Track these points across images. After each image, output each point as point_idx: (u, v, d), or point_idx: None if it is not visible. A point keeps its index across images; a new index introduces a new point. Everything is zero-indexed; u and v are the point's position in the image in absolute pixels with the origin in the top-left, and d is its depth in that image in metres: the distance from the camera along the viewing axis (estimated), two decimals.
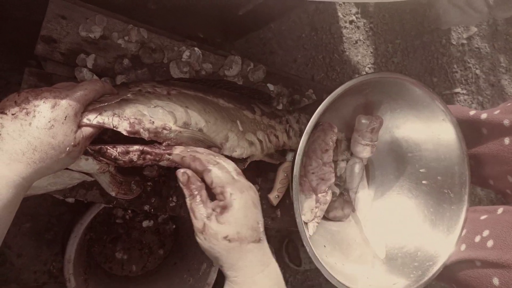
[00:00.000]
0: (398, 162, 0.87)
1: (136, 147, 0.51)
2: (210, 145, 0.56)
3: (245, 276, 0.45)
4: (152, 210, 0.65)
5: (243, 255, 0.45)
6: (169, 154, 0.52)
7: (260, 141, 0.64)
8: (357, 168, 0.79)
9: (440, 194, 0.82)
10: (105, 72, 0.62)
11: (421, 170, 0.84)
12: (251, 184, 0.50)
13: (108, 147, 0.50)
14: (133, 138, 0.51)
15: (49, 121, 0.43)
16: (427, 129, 0.80)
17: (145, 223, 1.07)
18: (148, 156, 0.52)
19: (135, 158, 0.51)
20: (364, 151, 0.77)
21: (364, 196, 0.81)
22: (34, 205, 0.97)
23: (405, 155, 0.86)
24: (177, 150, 0.51)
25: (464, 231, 0.77)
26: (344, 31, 1.37)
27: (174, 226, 1.11)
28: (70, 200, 0.60)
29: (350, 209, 0.79)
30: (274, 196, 0.76)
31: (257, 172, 0.75)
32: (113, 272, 1.03)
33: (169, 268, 1.04)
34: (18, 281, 0.95)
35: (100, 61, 0.61)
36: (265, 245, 0.48)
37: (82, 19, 0.59)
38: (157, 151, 0.51)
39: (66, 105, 0.44)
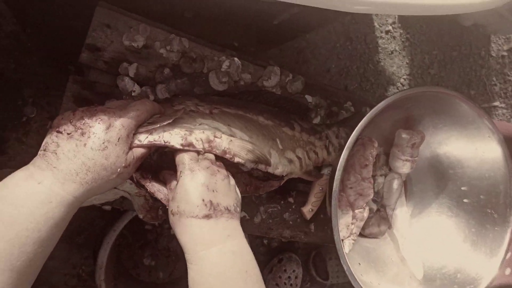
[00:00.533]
0: (438, 178, 0.83)
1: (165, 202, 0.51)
2: (259, 156, 0.55)
3: (191, 251, 0.45)
4: None
5: (183, 229, 0.45)
6: None
7: (299, 158, 0.63)
8: (396, 184, 0.76)
9: (482, 214, 0.78)
10: (146, 81, 0.62)
11: (462, 188, 0.81)
12: (215, 169, 0.49)
13: (149, 189, 0.50)
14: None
15: (103, 143, 0.43)
16: (471, 145, 0.77)
17: (173, 230, 1.07)
18: None
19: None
20: (403, 167, 0.74)
21: (402, 213, 0.77)
22: None
23: (446, 171, 0.82)
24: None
25: (509, 254, 0.73)
26: (379, 41, 1.34)
27: None
28: (107, 207, 0.61)
29: (386, 226, 0.76)
30: (308, 210, 0.74)
31: (290, 185, 0.73)
32: (140, 278, 1.03)
33: None
34: (48, 283, 0.96)
35: (142, 70, 0.61)
36: (218, 224, 0.46)
37: (126, 28, 0.60)
38: None
39: (119, 126, 0.45)
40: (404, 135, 0.73)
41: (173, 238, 1.09)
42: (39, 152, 0.43)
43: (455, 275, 0.75)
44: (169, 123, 0.50)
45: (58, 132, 0.43)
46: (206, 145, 0.50)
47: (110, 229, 0.77)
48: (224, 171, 0.50)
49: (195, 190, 0.46)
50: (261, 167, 0.55)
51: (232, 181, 0.51)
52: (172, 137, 0.49)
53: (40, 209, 0.39)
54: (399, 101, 0.66)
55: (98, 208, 0.99)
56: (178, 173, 0.48)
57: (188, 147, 0.49)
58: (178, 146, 0.49)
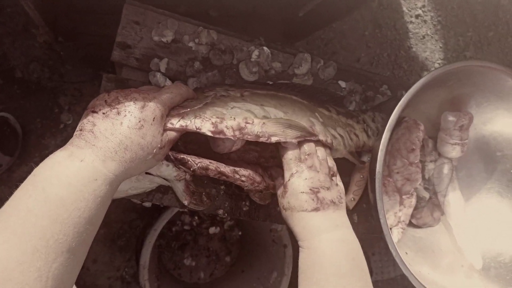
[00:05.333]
0: (486, 162, 0.78)
1: (215, 166, 0.51)
2: (297, 127, 0.53)
3: (304, 239, 0.50)
4: (225, 214, 0.63)
5: (296, 222, 0.51)
6: (242, 181, 0.54)
7: (342, 136, 0.61)
8: (446, 169, 0.72)
9: None
10: (177, 76, 0.61)
11: None
12: (317, 166, 0.54)
13: (190, 160, 0.50)
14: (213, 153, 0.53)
15: (139, 121, 0.43)
16: None
17: (211, 230, 1.07)
18: (224, 177, 0.53)
19: (211, 174, 0.52)
20: (453, 151, 0.70)
21: (455, 199, 0.73)
22: (107, 212, 1.00)
23: (494, 154, 0.77)
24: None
25: None
26: (410, 26, 1.30)
27: (240, 233, 1.10)
28: (147, 204, 0.61)
29: (440, 212, 0.72)
30: (349, 199, 0.71)
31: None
32: (182, 279, 1.03)
33: (237, 275, 1.02)
34: (94, 286, 0.98)
35: (172, 64, 0.61)
36: (326, 215, 0.51)
37: (154, 24, 0.60)
38: (232, 175, 0.53)
39: (154, 106, 0.44)
40: (450, 118, 0.69)
41: (212, 238, 1.08)
42: (76, 133, 0.42)
43: None
44: (200, 107, 0.49)
45: (94, 112, 0.43)
46: (237, 133, 0.50)
47: (151, 229, 0.77)
48: (325, 168, 0.55)
49: (303, 188, 0.52)
50: (309, 140, 0.54)
51: (334, 176, 0.57)
52: (204, 124, 0.49)
53: (87, 187, 0.38)
54: (440, 78, 0.63)
55: (137, 209, 1.00)
56: (285, 172, 0.54)
57: (219, 135, 0.49)
58: (209, 134, 0.49)
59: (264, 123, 0.51)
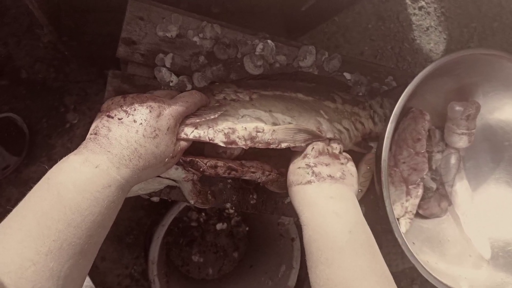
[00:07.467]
0: (493, 152, 0.78)
1: (223, 162, 0.53)
2: (308, 130, 0.55)
3: (300, 213, 0.50)
4: (233, 208, 0.63)
5: (293, 196, 0.52)
6: (253, 172, 0.55)
7: (347, 130, 0.61)
8: (453, 159, 0.71)
9: None
10: (183, 71, 0.61)
11: None
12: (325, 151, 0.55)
13: (199, 160, 0.51)
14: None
15: (154, 130, 0.43)
16: None
17: (218, 226, 1.07)
18: (233, 172, 0.54)
19: (221, 172, 0.53)
20: (460, 141, 0.70)
21: (462, 188, 0.73)
22: None
23: (501, 144, 0.77)
24: None
25: None
26: (413, 18, 1.29)
27: (247, 228, 1.10)
28: (155, 199, 0.61)
29: (447, 203, 0.72)
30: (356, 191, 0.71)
31: None
32: (190, 275, 1.04)
33: (246, 271, 1.02)
34: (103, 284, 0.99)
35: (177, 59, 0.61)
36: (320, 187, 0.50)
37: (158, 19, 0.60)
38: (241, 168, 0.54)
39: (168, 115, 0.45)
40: (457, 108, 0.69)
41: (220, 234, 1.09)
42: (89, 136, 0.43)
43: None
44: (214, 118, 0.50)
45: (109, 116, 0.43)
46: (249, 142, 0.52)
47: (159, 225, 0.78)
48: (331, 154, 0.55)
49: (300, 164, 0.53)
50: (316, 141, 0.55)
51: (342, 159, 0.56)
52: (216, 134, 0.50)
53: (102, 193, 0.39)
54: (446, 67, 0.62)
55: (144, 207, 1.00)
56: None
57: (231, 145, 0.51)
58: (222, 144, 0.50)
59: (274, 130, 0.53)
